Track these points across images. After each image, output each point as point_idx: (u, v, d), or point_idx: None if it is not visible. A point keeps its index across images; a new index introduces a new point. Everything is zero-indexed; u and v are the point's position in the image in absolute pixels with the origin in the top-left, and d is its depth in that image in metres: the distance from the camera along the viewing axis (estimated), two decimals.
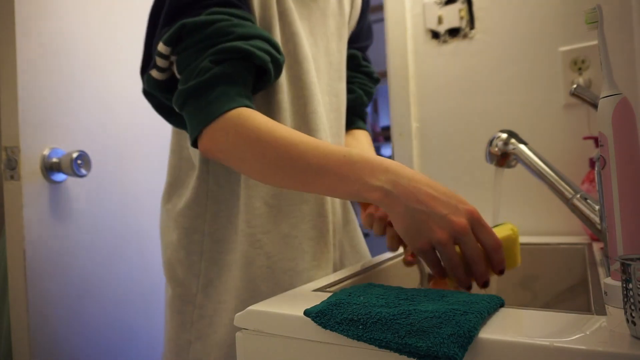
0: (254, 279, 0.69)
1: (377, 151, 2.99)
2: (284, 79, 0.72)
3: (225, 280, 0.71)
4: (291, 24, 0.73)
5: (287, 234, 0.71)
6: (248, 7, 0.68)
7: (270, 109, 0.70)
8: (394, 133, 1.31)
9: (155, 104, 0.72)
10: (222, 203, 0.72)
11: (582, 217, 0.76)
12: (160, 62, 0.64)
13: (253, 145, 0.58)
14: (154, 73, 0.66)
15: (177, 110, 0.64)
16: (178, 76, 0.64)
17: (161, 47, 0.63)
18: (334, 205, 0.80)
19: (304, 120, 0.74)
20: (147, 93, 0.72)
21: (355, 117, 0.99)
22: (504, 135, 0.85)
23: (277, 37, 0.71)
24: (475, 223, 0.54)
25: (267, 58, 0.63)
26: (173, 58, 0.64)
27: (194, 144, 0.64)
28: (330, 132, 0.81)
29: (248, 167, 0.61)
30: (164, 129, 1.32)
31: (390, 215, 0.56)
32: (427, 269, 0.62)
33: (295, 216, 0.71)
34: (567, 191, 0.78)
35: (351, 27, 0.93)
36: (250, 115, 0.59)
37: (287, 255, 0.70)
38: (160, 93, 0.67)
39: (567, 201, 0.78)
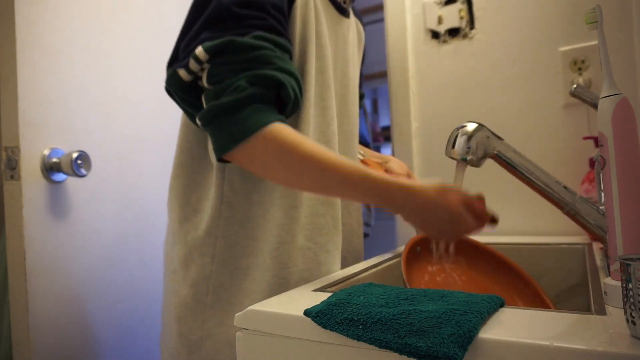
0: (269, 286, 0.72)
1: (377, 151, 2.98)
2: (311, 99, 0.75)
3: (238, 283, 0.74)
4: (324, 47, 0.77)
5: (302, 245, 0.74)
6: (288, 35, 0.71)
7: (295, 127, 0.74)
8: (394, 133, 1.31)
9: (178, 100, 0.74)
10: (236, 208, 0.75)
11: (580, 223, 0.76)
12: (192, 65, 0.65)
13: (288, 158, 0.64)
14: (182, 72, 0.67)
15: (200, 122, 0.66)
16: (205, 84, 0.66)
17: (200, 52, 0.64)
18: (348, 218, 0.86)
19: (327, 140, 0.78)
20: (169, 90, 0.73)
21: None
22: (483, 134, 0.75)
23: (312, 56, 0.75)
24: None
25: (292, 96, 0.67)
26: (206, 65, 0.65)
27: (220, 158, 0.66)
28: (339, 151, 0.84)
29: (280, 177, 0.67)
30: (164, 128, 1.32)
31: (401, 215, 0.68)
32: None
33: (310, 228, 0.75)
34: (562, 201, 0.75)
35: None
36: (284, 130, 0.64)
37: (301, 266, 0.74)
38: (180, 91, 0.69)
39: (563, 209, 0.76)
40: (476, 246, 0.83)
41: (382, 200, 0.66)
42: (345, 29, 0.86)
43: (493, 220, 0.71)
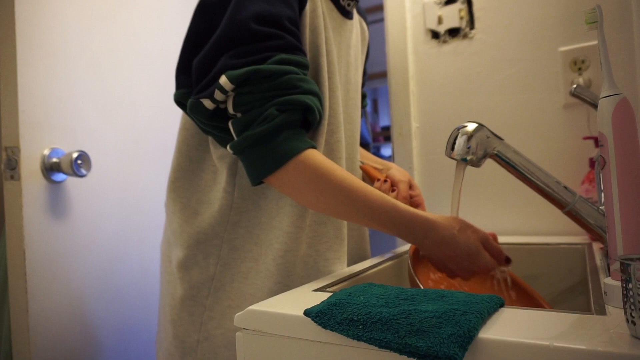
0: (272, 292, 0.72)
1: (377, 151, 2.99)
2: (325, 110, 0.76)
3: (238, 287, 0.74)
4: (330, 52, 0.77)
5: (304, 252, 0.74)
6: (303, 47, 0.71)
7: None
8: (394, 133, 1.31)
9: (199, 125, 0.74)
10: (244, 214, 0.76)
11: (580, 223, 0.76)
12: (218, 95, 0.65)
13: (319, 185, 0.66)
14: (207, 103, 0.67)
15: (232, 151, 0.67)
16: (232, 111, 0.67)
17: (225, 83, 0.64)
18: (350, 228, 0.86)
19: (330, 149, 0.78)
20: (180, 102, 0.73)
21: None
22: (483, 134, 0.74)
23: (324, 64, 0.75)
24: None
25: (318, 117, 0.69)
26: (231, 94, 0.66)
27: (257, 183, 0.68)
28: (344, 158, 0.84)
29: (311, 201, 0.68)
30: (164, 128, 1.32)
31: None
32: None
33: (311, 236, 0.75)
34: (562, 201, 0.75)
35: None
36: (317, 157, 0.67)
37: (301, 273, 0.74)
38: (204, 119, 0.69)
39: (563, 209, 0.76)
40: None
41: (404, 231, 0.68)
42: (348, 32, 0.85)
43: (508, 260, 0.73)
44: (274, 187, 0.70)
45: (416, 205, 0.90)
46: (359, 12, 0.94)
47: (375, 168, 0.95)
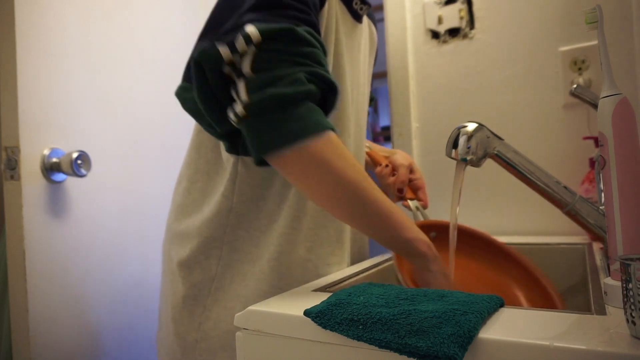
0: (265, 295, 0.72)
1: None
2: None
3: (236, 288, 0.74)
4: (341, 55, 0.76)
5: (303, 256, 0.73)
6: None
7: None
8: (394, 133, 1.31)
9: (187, 105, 0.69)
10: (243, 216, 0.74)
11: (579, 222, 0.76)
12: (241, 44, 0.56)
13: (342, 164, 0.59)
14: (224, 50, 0.57)
15: (244, 112, 0.57)
16: (247, 70, 0.57)
17: (254, 33, 0.56)
18: (353, 231, 0.85)
19: None
20: (181, 94, 0.69)
21: None
22: (483, 134, 0.74)
23: (330, 65, 0.73)
24: None
25: (337, 103, 0.64)
26: (251, 50, 0.57)
27: (261, 161, 0.60)
28: None
29: (322, 185, 0.60)
30: (164, 128, 1.32)
31: (420, 267, 0.65)
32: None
33: (312, 240, 0.74)
34: (562, 201, 0.75)
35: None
36: (339, 143, 0.60)
37: (300, 278, 0.72)
38: (212, 74, 0.59)
39: (563, 209, 0.76)
40: (476, 237, 0.83)
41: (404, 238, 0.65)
42: (358, 35, 0.84)
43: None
44: (282, 165, 0.60)
45: (417, 188, 0.91)
46: (367, 15, 0.93)
47: (382, 155, 0.96)
